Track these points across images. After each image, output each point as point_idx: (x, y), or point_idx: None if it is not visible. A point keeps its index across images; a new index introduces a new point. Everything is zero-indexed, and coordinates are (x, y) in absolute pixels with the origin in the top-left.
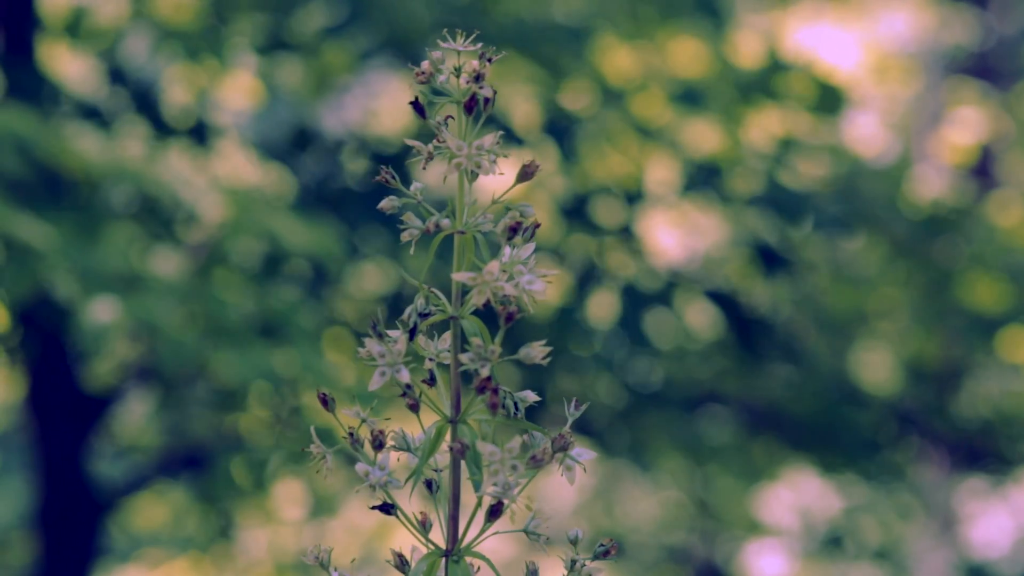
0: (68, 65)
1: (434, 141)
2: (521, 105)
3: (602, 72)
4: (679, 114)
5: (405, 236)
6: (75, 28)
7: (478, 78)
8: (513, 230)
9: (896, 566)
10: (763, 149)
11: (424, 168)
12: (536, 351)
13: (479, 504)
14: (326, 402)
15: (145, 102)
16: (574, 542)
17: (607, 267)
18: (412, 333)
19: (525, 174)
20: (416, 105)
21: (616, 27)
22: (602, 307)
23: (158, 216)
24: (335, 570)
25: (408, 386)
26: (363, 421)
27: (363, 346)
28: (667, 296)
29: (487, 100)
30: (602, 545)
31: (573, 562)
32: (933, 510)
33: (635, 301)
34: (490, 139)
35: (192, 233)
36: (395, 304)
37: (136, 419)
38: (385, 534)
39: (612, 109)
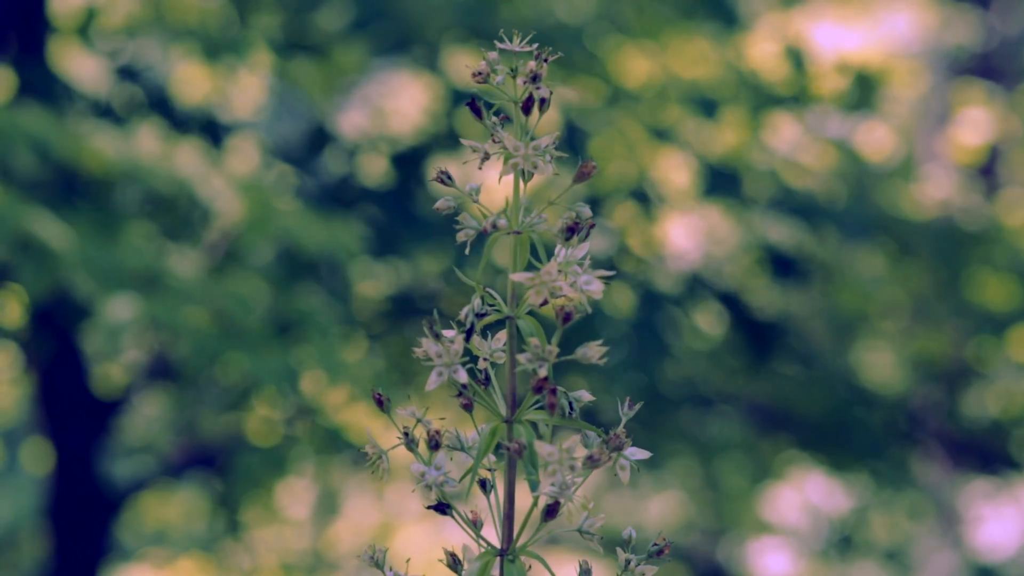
0: (81, 63)
1: (490, 140)
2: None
3: (613, 72)
4: (693, 117)
5: (461, 236)
6: (88, 27)
7: (535, 79)
8: (571, 230)
9: (902, 566)
10: (778, 152)
11: (480, 168)
12: (593, 351)
13: (534, 504)
14: (381, 402)
15: (159, 100)
16: (628, 542)
17: (621, 268)
18: (469, 333)
19: (582, 175)
20: (472, 106)
21: (627, 29)
22: (616, 307)
23: (175, 214)
24: (390, 570)
25: (464, 386)
26: (418, 421)
27: (419, 345)
28: (680, 297)
29: (543, 100)
30: (655, 545)
31: (627, 562)
32: (939, 511)
33: (649, 302)
34: (547, 140)
35: (210, 231)
36: (407, 303)
37: (148, 418)
38: (388, 533)
39: (623, 110)
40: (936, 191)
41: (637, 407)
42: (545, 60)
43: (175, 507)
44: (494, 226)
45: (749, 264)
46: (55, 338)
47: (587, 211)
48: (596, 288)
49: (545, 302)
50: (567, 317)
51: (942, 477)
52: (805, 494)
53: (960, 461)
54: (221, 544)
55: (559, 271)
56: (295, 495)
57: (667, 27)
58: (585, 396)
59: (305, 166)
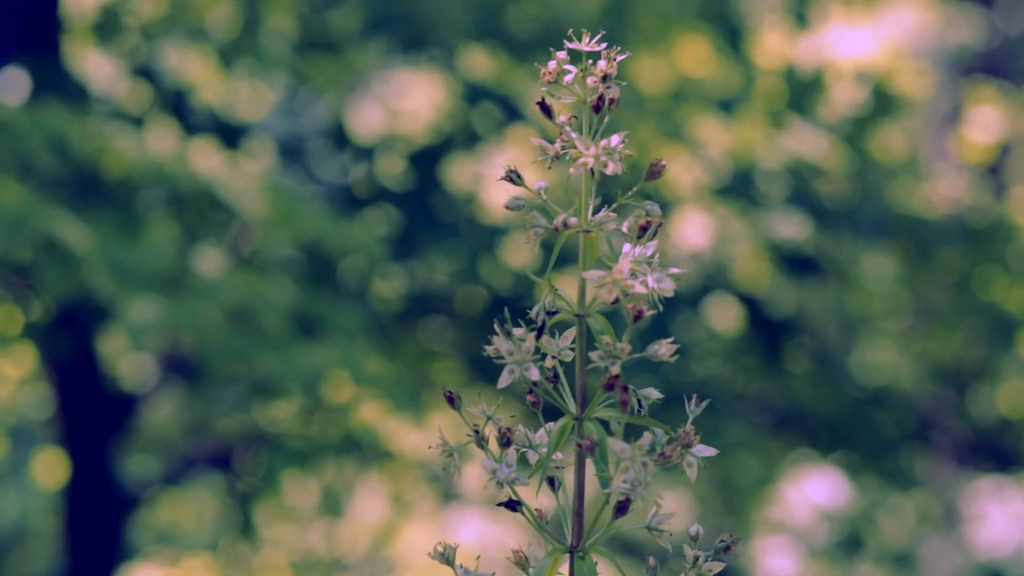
0: (96, 64)
1: (559, 140)
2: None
3: (622, 71)
4: (705, 117)
5: (530, 235)
6: (103, 27)
7: (605, 78)
8: (644, 229)
9: (909, 566)
10: (791, 152)
11: (549, 167)
12: (664, 348)
13: (606, 500)
14: (452, 399)
15: (175, 101)
16: (694, 539)
17: None
18: (540, 331)
19: (652, 173)
20: (543, 106)
21: (636, 28)
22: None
23: (197, 215)
24: (460, 566)
25: (535, 383)
26: (488, 418)
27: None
28: (693, 297)
29: (612, 100)
30: (722, 541)
31: (695, 559)
32: (946, 510)
33: (661, 301)
34: (616, 139)
35: (232, 232)
36: (421, 303)
37: (163, 417)
38: (391, 533)
39: (634, 109)
40: (945, 190)
41: (704, 404)
42: (614, 60)
43: (189, 506)
44: (565, 224)
45: (761, 263)
46: (74, 338)
47: (657, 209)
48: (668, 286)
49: (616, 300)
50: (638, 315)
51: (950, 476)
52: (813, 493)
53: (969, 460)
54: (233, 543)
55: (631, 270)
56: (307, 494)
57: (676, 26)
58: (653, 394)
59: (320, 166)
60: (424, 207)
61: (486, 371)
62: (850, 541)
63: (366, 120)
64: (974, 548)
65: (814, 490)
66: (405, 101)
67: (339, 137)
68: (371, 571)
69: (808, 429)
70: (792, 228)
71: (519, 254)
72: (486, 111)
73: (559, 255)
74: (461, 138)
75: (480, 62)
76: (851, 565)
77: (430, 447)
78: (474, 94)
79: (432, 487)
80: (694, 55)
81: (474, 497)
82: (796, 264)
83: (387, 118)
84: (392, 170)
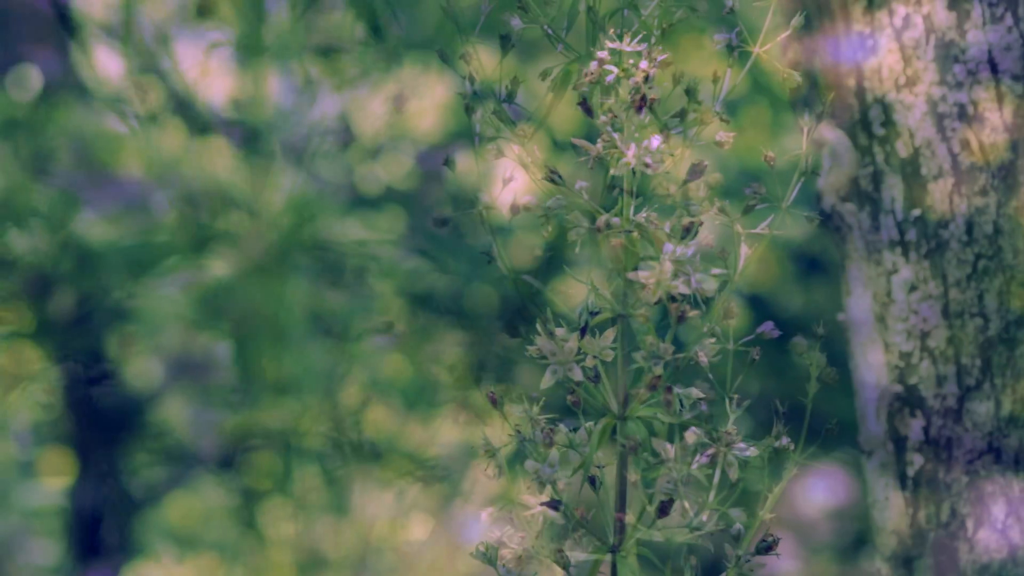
0: (105, 62)
1: (600, 140)
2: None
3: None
4: (714, 118)
5: (572, 235)
6: (113, 26)
7: (646, 79)
8: (687, 229)
9: (910, 567)
10: (798, 154)
11: (591, 168)
12: (707, 348)
13: (648, 501)
14: (495, 401)
15: (187, 100)
16: (736, 537)
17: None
18: (583, 331)
19: (695, 173)
20: (584, 106)
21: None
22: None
23: (211, 214)
24: (502, 566)
25: (577, 383)
26: (531, 420)
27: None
28: (698, 296)
29: (654, 100)
30: (764, 540)
31: (738, 557)
32: (951, 510)
33: (667, 300)
34: (657, 140)
35: (245, 231)
36: (429, 301)
37: (172, 417)
38: (396, 532)
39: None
40: (953, 189)
41: (745, 404)
42: (656, 60)
43: (197, 506)
44: (608, 224)
45: (770, 263)
46: (84, 337)
47: (698, 209)
48: (711, 286)
49: (659, 300)
50: (682, 316)
51: (956, 475)
52: (817, 492)
53: (975, 460)
54: (240, 542)
55: (675, 270)
56: (314, 493)
57: (681, 26)
58: (695, 393)
59: (335, 166)
60: (430, 206)
61: (493, 371)
62: (854, 541)
63: (373, 119)
64: (978, 549)
65: (817, 489)
66: (411, 100)
67: (346, 136)
68: (374, 571)
69: (813, 428)
70: (799, 227)
71: (524, 254)
72: (491, 110)
73: (559, 256)
74: (467, 138)
75: (485, 61)
76: (854, 564)
77: (473, 447)
78: (477, 95)
79: (436, 486)
80: (700, 55)
81: (479, 496)
82: (805, 263)
83: (393, 117)
84: (398, 169)
